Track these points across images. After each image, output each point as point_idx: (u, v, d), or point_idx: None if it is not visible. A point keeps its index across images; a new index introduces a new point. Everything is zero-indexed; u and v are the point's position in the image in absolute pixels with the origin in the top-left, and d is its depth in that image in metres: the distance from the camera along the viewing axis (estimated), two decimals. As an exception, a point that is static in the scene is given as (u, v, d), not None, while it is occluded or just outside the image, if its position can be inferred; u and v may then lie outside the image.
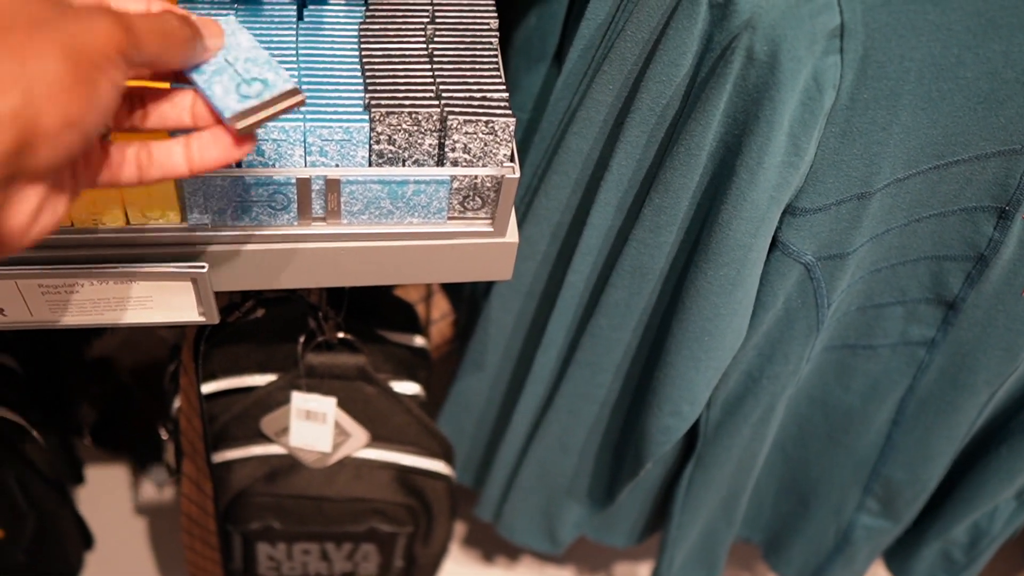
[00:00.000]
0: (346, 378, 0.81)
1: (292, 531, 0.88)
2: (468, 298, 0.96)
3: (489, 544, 1.21)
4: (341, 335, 0.81)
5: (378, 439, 0.84)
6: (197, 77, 0.48)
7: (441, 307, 0.97)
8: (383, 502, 0.86)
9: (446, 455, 0.88)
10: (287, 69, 0.63)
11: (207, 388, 0.82)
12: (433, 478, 0.88)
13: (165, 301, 0.65)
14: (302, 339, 0.80)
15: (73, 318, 0.65)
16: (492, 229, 0.65)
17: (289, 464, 0.85)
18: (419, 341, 0.89)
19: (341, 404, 0.82)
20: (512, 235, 0.66)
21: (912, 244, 0.71)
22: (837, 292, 0.72)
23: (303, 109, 0.61)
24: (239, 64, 0.49)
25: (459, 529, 1.21)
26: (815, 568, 0.99)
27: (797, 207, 0.65)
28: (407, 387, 0.85)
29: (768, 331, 0.75)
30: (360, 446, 0.84)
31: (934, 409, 0.83)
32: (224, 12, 0.66)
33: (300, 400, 0.81)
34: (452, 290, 0.98)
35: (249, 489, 0.85)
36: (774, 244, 0.68)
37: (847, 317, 0.77)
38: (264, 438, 0.83)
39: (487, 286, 0.84)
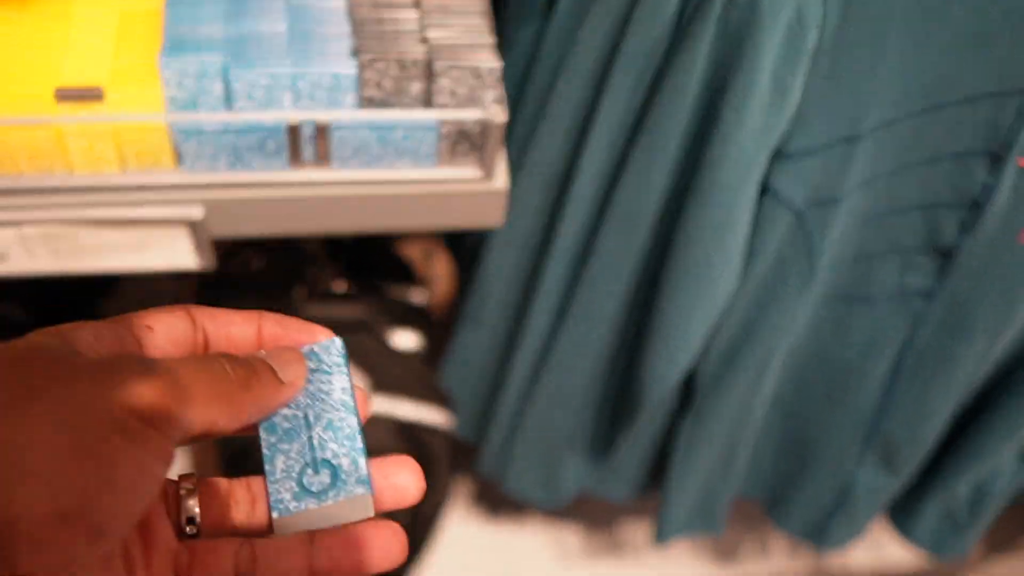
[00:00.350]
0: (345, 329, 0.82)
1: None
2: (468, 254, 0.96)
3: (494, 502, 1.23)
4: (340, 287, 0.82)
5: (378, 390, 0.86)
6: (266, 436, 0.38)
7: (442, 265, 0.98)
8: (383, 453, 0.87)
9: (446, 408, 0.89)
10: (274, 16, 0.63)
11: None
12: (432, 431, 0.89)
13: (163, 248, 0.66)
14: (301, 290, 0.81)
15: (74, 264, 0.67)
16: (481, 175, 0.66)
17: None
18: (419, 297, 0.90)
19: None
20: (501, 181, 0.66)
21: (904, 191, 0.71)
22: (829, 240, 0.72)
23: (293, 55, 0.62)
24: (317, 428, 0.37)
25: (464, 487, 1.23)
26: (817, 525, 0.99)
27: (785, 151, 0.65)
28: (407, 340, 0.86)
29: (761, 280, 0.75)
30: (360, 397, 0.85)
31: (933, 362, 0.83)
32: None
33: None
34: (453, 247, 0.98)
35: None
36: (764, 191, 0.68)
37: (842, 267, 0.77)
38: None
39: (485, 240, 0.85)
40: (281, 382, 0.36)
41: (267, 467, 0.37)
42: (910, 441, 0.89)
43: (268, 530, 0.38)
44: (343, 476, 0.37)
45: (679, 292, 0.72)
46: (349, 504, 0.36)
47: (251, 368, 0.35)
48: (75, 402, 0.29)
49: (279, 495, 0.37)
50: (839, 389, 0.87)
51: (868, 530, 1.01)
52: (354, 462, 0.37)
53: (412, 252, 0.95)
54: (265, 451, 0.37)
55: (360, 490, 0.37)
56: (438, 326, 0.95)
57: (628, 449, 0.94)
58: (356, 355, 0.83)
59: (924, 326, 0.80)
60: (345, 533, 0.36)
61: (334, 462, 0.37)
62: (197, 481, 0.37)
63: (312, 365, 0.38)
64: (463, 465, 1.12)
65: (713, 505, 0.98)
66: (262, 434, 0.37)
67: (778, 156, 0.66)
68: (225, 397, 0.33)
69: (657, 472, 0.99)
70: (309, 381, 0.38)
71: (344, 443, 0.37)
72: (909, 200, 0.71)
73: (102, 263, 0.66)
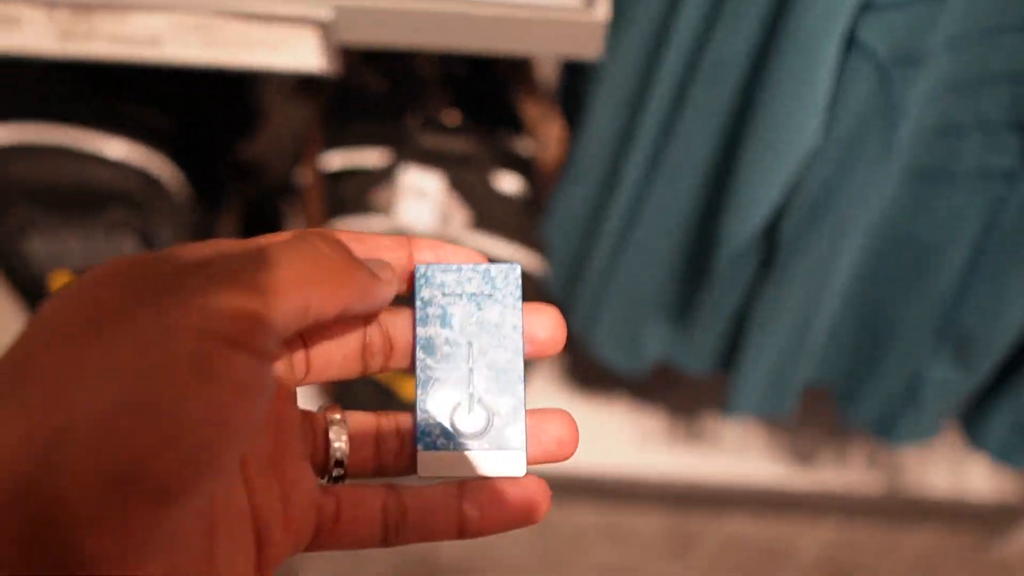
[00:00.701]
0: (454, 162, 0.89)
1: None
2: (576, 115, 1.01)
3: (579, 378, 1.29)
4: (452, 119, 0.88)
5: (479, 225, 0.92)
6: (423, 355, 0.35)
7: (556, 129, 1.03)
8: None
9: (540, 255, 0.95)
10: None
11: (330, 162, 0.92)
12: (527, 276, 0.95)
13: (295, 48, 0.75)
14: (415, 116, 0.87)
15: (218, 55, 0.75)
16: (584, 3, 0.71)
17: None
18: (527, 147, 0.96)
19: (447, 186, 0.90)
20: (602, 12, 0.72)
21: (992, 60, 0.72)
22: (912, 102, 0.74)
23: None
24: (481, 362, 0.34)
25: (549, 360, 1.29)
26: (886, 417, 1.01)
27: (872, 1, 0.68)
28: (510, 184, 0.93)
29: (843, 140, 0.77)
30: (460, 229, 0.92)
31: (1013, 251, 0.84)
32: None
33: (409, 177, 0.90)
34: (567, 107, 1.04)
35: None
36: (849, 43, 0.71)
37: (924, 140, 0.79)
38: (375, 211, 0.93)
39: (590, 97, 0.90)
40: (376, 276, 0.32)
41: (419, 391, 0.34)
42: (985, 335, 0.90)
43: (409, 466, 0.35)
44: (498, 425, 0.34)
45: (758, 143, 0.76)
46: (499, 458, 0.34)
47: (346, 250, 0.31)
48: (139, 339, 0.25)
49: (427, 427, 0.34)
50: (916, 273, 0.89)
51: (938, 429, 1.02)
52: (512, 413, 0.34)
53: (529, 111, 1.00)
54: (419, 373, 0.34)
55: (515, 445, 0.34)
56: (541, 184, 1.01)
57: (708, 318, 0.98)
58: (459, 188, 0.90)
59: (1005, 211, 0.81)
60: (496, 487, 0.34)
61: (492, 407, 0.34)
62: (344, 414, 0.34)
63: (486, 290, 0.35)
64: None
65: (785, 385, 1.01)
66: (419, 353, 0.35)
67: (865, 7, 0.69)
68: (319, 273, 0.29)
69: (735, 351, 1.03)
70: (479, 307, 0.35)
71: (505, 388, 0.34)
72: (997, 70, 0.73)
73: (242, 58, 0.75)
